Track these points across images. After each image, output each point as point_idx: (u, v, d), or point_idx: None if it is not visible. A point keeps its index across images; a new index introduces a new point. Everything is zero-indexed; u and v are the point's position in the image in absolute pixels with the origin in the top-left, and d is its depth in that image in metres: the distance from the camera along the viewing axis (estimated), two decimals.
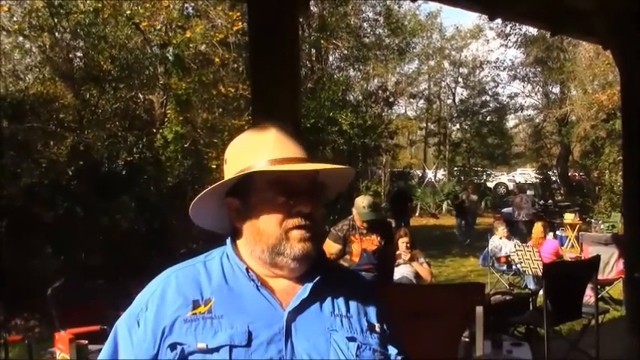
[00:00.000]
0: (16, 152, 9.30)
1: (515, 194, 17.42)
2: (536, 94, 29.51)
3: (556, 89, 27.82)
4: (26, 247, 8.41)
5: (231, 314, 1.13)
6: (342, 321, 1.18)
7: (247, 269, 1.18)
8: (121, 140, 11.34)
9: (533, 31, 23.11)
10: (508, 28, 25.08)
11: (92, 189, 9.78)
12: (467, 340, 4.15)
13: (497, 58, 32.94)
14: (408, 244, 6.61)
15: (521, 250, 8.38)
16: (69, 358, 3.28)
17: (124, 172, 11.26)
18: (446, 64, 29.13)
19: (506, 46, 26.74)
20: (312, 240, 1.17)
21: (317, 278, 1.18)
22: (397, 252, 6.40)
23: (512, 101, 29.53)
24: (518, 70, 28.53)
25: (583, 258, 8.28)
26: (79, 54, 12.23)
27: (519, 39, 25.76)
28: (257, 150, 1.19)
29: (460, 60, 29.05)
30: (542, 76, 27.26)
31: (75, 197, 9.66)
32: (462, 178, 26.76)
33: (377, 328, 1.21)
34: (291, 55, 3.72)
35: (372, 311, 1.24)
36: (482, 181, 26.85)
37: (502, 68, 28.81)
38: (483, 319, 3.50)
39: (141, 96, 12.47)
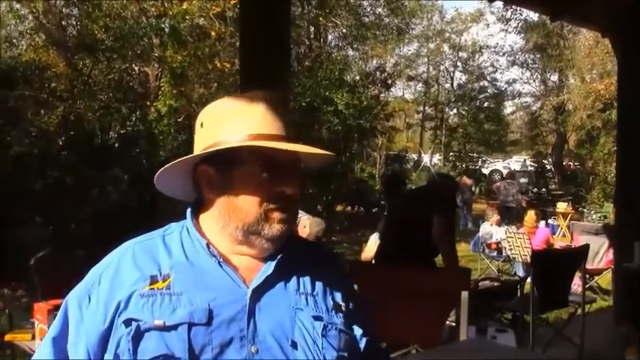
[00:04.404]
0: (5, 120, 9.19)
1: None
2: (534, 80, 29.42)
3: (554, 77, 27.72)
4: (15, 216, 8.35)
5: (191, 291, 1.06)
6: (307, 299, 1.12)
7: (208, 245, 1.12)
8: (113, 112, 11.22)
9: (533, 16, 22.96)
10: (509, 13, 24.91)
11: (83, 160, 9.68)
12: (452, 324, 4.15)
13: (497, 43, 32.83)
14: None
15: (512, 237, 8.37)
16: (47, 329, 3.24)
17: (116, 145, 11.16)
18: (445, 47, 29.00)
19: (506, 31, 26.59)
20: (290, 222, 1.13)
21: (280, 255, 1.13)
22: None
23: (510, 87, 29.51)
24: (517, 56, 28.38)
25: (573, 247, 8.26)
26: (72, 22, 12.07)
27: (520, 24, 25.59)
28: (243, 120, 1.10)
29: (460, 44, 28.89)
30: (540, 62, 27.13)
31: (65, 167, 9.57)
32: (458, 163, 26.75)
33: (342, 308, 1.16)
34: (280, 31, 3.65)
35: (338, 290, 1.19)
36: (477, 167, 26.83)
37: (501, 53, 28.69)
38: (469, 304, 3.48)
39: (135, 67, 12.33)
